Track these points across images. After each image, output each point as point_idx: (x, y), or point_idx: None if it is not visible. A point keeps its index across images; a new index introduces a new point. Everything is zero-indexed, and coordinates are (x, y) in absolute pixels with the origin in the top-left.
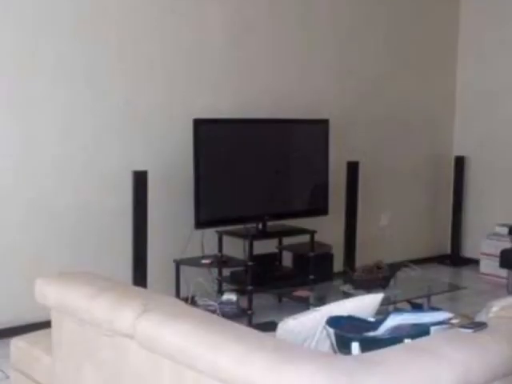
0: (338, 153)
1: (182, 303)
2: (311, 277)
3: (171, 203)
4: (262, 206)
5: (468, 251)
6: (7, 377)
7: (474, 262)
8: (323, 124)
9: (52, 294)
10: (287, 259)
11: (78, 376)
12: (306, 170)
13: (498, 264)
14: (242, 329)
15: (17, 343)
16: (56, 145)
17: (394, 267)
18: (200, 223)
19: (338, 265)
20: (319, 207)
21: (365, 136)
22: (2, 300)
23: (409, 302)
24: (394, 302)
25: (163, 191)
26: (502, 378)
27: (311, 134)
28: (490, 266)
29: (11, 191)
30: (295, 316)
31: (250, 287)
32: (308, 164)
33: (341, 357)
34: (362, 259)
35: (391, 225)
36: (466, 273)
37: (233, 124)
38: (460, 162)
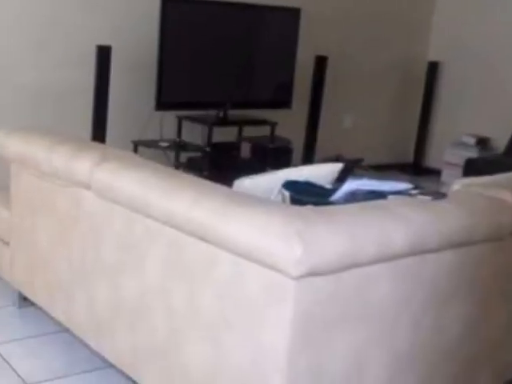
0: (307, 45)
1: (138, 156)
2: (269, 169)
3: (133, 83)
4: (224, 93)
5: (432, 161)
6: None
7: (436, 173)
8: (294, 12)
9: (12, 146)
10: (246, 150)
11: (34, 227)
12: (272, 60)
13: (460, 174)
14: (195, 179)
15: None
16: (17, 17)
17: (353, 162)
18: (160, 105)
19: (296, 160)
20: (282, 99)
21: (336, 31)
22: None
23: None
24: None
25: (125, 70)
26: (457, 248)
27: (281, 22)
28: (451, 176)
29: None
30: (252, 176)
31: (206, 173)
32: (275, 54)
33: (296, 206)
34: (321, 157)
35: (355, 128)
36: (427, 183)
37: (202, 5)
38: (433, 68)
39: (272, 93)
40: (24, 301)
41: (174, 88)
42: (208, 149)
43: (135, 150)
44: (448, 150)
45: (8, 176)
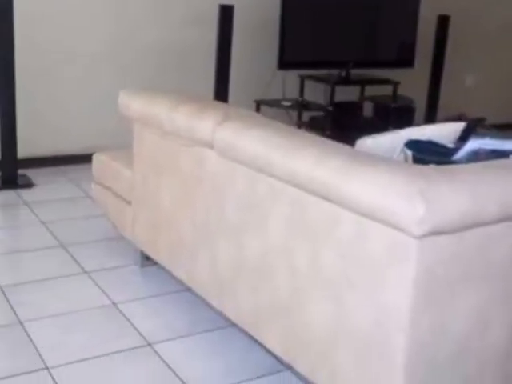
0: (429, 4)
1: (260, 116)
2: (391, 128)
3: (255, 42)
4: (347, 52)
5: None
6: (88, 196)
7: None
8: None
9: (135, 105)
10: (368, 109)
11: (157, 187)
12: (395, 19)
13: None
14: (317, 138)
15: (98, 157)
16: None
17: (476, 121)
18: (283, 64)
19: (419, 119)
20: (405, 59)
21: None
22: (85, 125)
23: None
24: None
25: (248, 29)
26: None
27: None
28: None
29: (98, 23)
30: (374, 135)
31: (328, 133)
32: (398, 13)
33: (419, 165)
34: (443, 116)
35: (477, 86)
36: None
37: None
38: None
39: (394, 52)
40: (146, 260)
41: (296, 47)
42: (330, 108)
43: (258, 110)
44: None
45: (130, 136)
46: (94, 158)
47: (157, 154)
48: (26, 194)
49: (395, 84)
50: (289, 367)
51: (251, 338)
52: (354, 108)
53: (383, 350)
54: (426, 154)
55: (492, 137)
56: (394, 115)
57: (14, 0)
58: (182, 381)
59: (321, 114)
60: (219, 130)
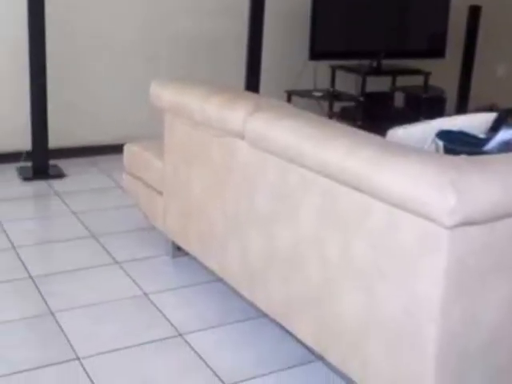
0: None
1: (292, 106)
2: (422, 118)
3: (286, 33)
4: (378, 43)
5: None
6: (119, 186)
7: None
8: None
9: (166, 95)
10: (399, 100)
11: (188, 177)
12: (426, 9)
13: None
14: (348, 128)
15: (130, 148)
16: None
17: (507, 111)
18: (314, 54)
19: (450, 110)
20: (436, 49)
21: None
22: (116, 115)
23: None
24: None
25: (279, 19)
26: None
27: None
28: None
29: (129, 12)
30: (405, 126)
31: (359, 123)
32: (429, 3)
33: (450, 156)
34: (475, 106)
35: (508, 77)
36: None
37: None
38: None
39: (425, 42)
40: (177, 250)
41: (327, 37)
42: (361, 98)
43: (289, 100)
44: None
45: (162, 126)
46: (126, 148)
47: (188, 144)
48: (57, 184)
49: (426, 74)
50: (320, 357)
51: (282, 328)
52: (385, 98)
53: (414, 340)
54: (457, 144)
55: None
56: (425, 105)
57: None
58: (213, 371)
59: (352, 104)
60: (250, 120)
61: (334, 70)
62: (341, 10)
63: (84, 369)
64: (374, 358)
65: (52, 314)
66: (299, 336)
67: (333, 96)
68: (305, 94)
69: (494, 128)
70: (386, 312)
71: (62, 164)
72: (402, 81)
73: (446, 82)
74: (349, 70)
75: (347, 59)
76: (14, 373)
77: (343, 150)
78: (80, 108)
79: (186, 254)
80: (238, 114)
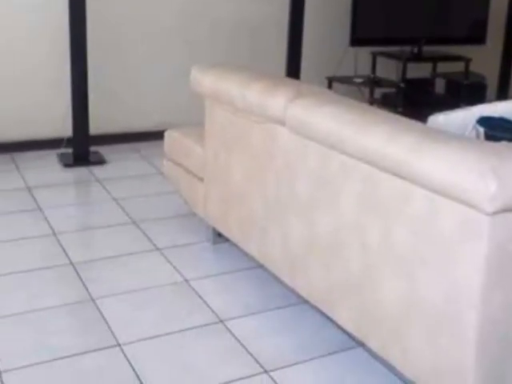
0: None
1: (332, 92)
2: (463, 105)
3: (327, 19)
4: (419, 29)
5: None
6: (160, 173)
7: None
8: None
9: (206, 81)
10: (440, 86)
11: (228, 163)
12: None
13: None
14: (389, 114)
15: (170, 133)
16: None
17: None
18: (355, 41)
19: (491, 96)
20: (477, 35)
21: None
22: (157, 102)
23: None
24: None
25: (320, 5)
26: None
27: None
28: None
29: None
30: (446, 112)
31: (400, 109)
32: None
33: (491, 142)
34: None
35: None
36: None
37: None
38: None
39: (466, 29)
40: (218, 237)
41: (368, 24)
42: (402, 85)
43: (329, 86)
44: None
45: (202, 112)
46: (166, 134)
47: (228, 130)
48: (97, 170)
49: (467, 61)
50: (361, 344)
51: (323, 314)
52: (425, 85)
53: (455, 326)
54: (498, 130)
55: None
56: (466, 92)
57: None
58: (254, 357)
59: (393, 90)
60: (291, 106)
61: (374, 56)
62: None
63: (125, 355)
64: (414, 345)
65: (93, 300)
66: (340, 322)
67: (373, 82)
68: (345, 80)
69: None
70: (426, 298)
71: (103, 150)
72: (442, 67)
73: (486, 68)
74: (389, 56)
75: (388, 45)
76: (55, 359)
77: (384, 136)
78: (121, 94)
79: (227, 240)
80: (279, 100)
